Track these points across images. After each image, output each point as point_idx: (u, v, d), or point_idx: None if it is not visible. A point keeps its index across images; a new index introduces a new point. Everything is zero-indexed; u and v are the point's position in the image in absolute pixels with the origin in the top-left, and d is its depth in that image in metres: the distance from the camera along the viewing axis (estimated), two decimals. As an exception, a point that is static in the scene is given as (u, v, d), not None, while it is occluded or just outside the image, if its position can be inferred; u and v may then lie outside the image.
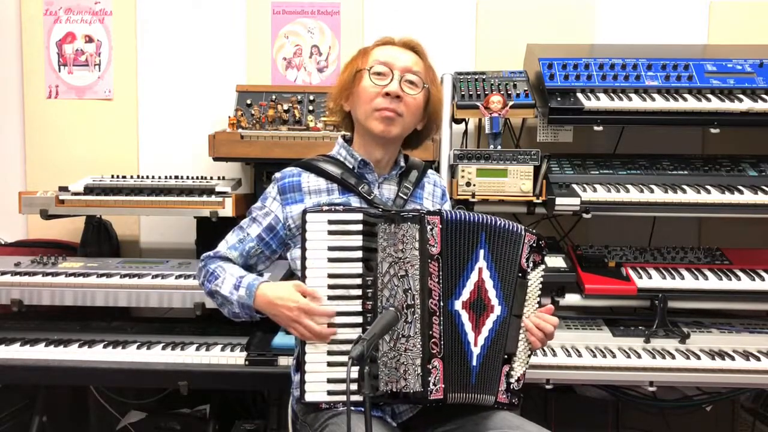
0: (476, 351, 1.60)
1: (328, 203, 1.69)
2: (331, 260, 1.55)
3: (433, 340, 1.53)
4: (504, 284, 1.64)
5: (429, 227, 1.56)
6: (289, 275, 1.94)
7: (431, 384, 1.52)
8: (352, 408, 1.46)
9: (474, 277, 1.61)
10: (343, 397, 1.50)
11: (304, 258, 1.55)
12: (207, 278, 1.70)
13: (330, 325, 1.53)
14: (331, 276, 1.55)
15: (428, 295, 1.54)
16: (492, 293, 1.62)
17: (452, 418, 1.64)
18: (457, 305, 1.58)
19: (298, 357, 1.59)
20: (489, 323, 1.62)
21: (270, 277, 1.79)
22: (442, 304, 1.55)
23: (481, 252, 1.62)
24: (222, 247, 1.75)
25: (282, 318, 1.56)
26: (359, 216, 1.57)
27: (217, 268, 1.70)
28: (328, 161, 1.76)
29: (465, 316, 1.59)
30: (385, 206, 1.69)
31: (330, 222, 1.56)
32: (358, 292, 1.55)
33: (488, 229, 1.63)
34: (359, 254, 1.56)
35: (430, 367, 1.52)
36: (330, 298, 1.55)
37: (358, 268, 1.56)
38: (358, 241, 1.56)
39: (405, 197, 1.75)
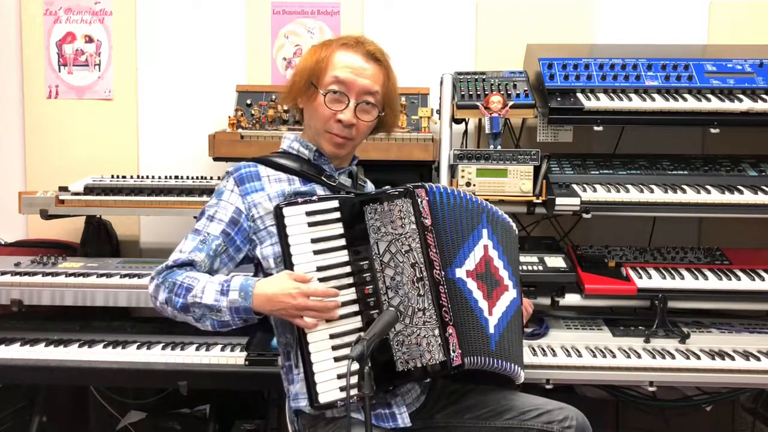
0: (492, 320, 1.62)
1: (295, 192, 1.63)
2: (317, 252, 1.54)
3: (444, 308, 1.55)
4: (513, 270, 1.72)
5: (419, 200, 1.57)
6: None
7: (452, 351, 1.53)
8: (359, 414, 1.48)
9: (479, 251, 1.64)
10: (356, 391, 1.48)
11: (288, 255, 1.53)
12: (174, 292, 1.52)
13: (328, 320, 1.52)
14: (320, 269, 1.54)
15: (431, 266, 1.55)
16: (503, 273, 1.68)
17: (477, 402, 1.67)
18: (459, 273, 1.59)
19: (303, 361, 1.52)
20: (505, 300, 1.67)
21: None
22: (443, 272, 1.56)
23: (484, 231, 1.67)
24: (180, 255, 1.56)
25: (286, 309, 1.49)
26: (335, 203, 1.56)
27: (185, 278, 1.52)
28: (283, 156, 1.70)
29: (472, 284, 1.61)
30: (350, 191, 1.68)
31: (308, 213, 1.54)
32: (351, 279, 1.55)
33: (488, 213, 1.70)
34: (343, 242, 1.55)
35: (447, 335, 1.53)
36: None
37: (345, 256, 1.55)
38: (339, 228, 1.56)
39: (363, 185, 1.77)
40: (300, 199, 1.57)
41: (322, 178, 1.67)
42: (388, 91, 1.70)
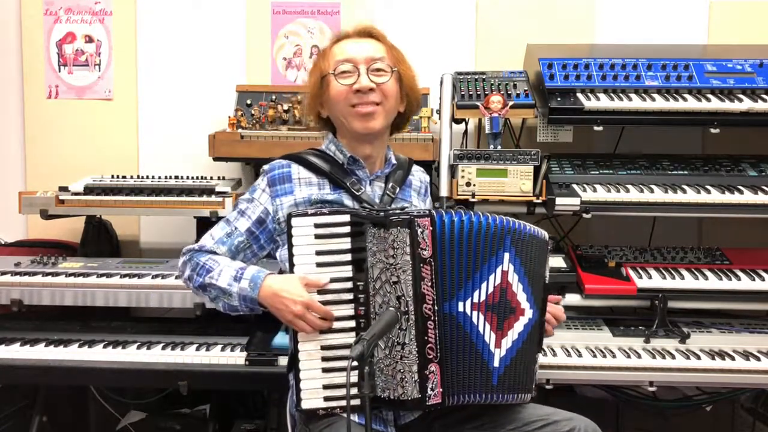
0: (499, 353, 1.57)
1: (315, 201, 1.66)
2: (319, 265, 1.53)
3: (428, 345, 1.50)
4: (534, 289, 1.63)
5: (419, 230, 1.50)
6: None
7: (429, 389, 1.50)
8: (352, 416, 1.46)
9: (495, 279, 1.57)
10: (341, 402, 1.50)
11: (292, 264, 1.53)
12: (197, 271, 1.63)
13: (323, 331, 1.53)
14: None
15: (422, 301, 1.50)
16: (521, 297, 1.61)
17: (480, 413, 1.64)
18: (463, 306, 1.53)
19: (294, 367, 1.55)
20: (519, 326, 1.60)
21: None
22: (437, 308, 1.51)
23: (506, 256, 1.58)
24: (207, 242, 1.68)
25: (285, 311, 1.52)
26: (346, 218, 1.54)
27: (208, 260, 1.63)
28: (318, 155, 1.73)
29: (479, 317, 1.54)
30: (373, 204, 1.67)
31: (316, 225, 1.53)
32: (350, 296, 1.53)
33: (514, 233, 1.60)
34: (348, 257, 1.54)
35: (427, 372, 1.49)
36: (322, 303, 1.52)
37: (348, 271, 1.54)
38: (346, 243, 1.54)
39: (392, 195, 1.73)
40: (310, 210, 1.56)
41: (350, 187, 1.68)
42: (393, 54, 1.73)
